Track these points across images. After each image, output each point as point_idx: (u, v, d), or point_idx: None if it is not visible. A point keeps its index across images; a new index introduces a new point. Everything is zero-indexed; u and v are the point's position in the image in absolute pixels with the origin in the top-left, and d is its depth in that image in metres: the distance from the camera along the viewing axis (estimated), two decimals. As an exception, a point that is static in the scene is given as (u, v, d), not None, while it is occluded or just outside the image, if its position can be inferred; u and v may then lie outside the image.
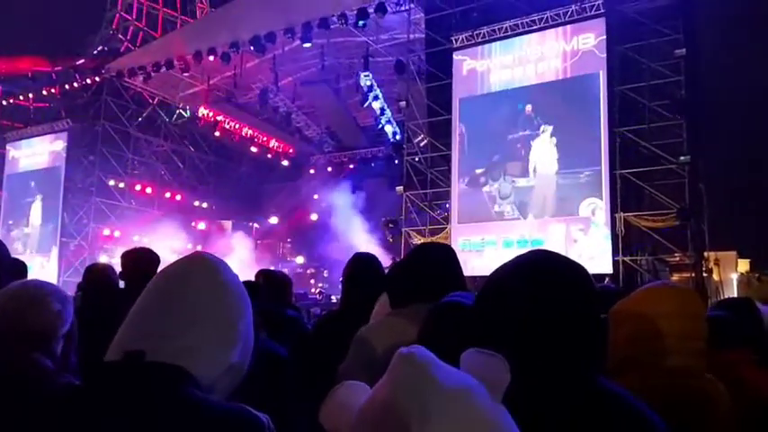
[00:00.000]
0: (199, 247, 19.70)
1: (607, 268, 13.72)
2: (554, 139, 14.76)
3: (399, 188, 17.29)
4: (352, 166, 21.97)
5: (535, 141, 15.02)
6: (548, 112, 14.89)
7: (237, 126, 21.48)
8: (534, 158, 15.00)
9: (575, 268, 1.08)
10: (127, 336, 1.04)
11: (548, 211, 14.78)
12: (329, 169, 22.54)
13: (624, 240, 13.92)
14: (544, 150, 14.93)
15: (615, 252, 13.84)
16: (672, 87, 13.85)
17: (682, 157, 13.47)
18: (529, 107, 15.17)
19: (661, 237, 13.41)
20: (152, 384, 0.96)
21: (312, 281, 20.30)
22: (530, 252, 1.10)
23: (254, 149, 22.24)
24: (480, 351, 0.82)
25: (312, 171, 22.65)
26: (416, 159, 17.37)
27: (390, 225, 18.50)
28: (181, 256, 1.13)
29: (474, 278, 11.90)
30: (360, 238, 17.93)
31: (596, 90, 14.47)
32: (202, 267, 1.09)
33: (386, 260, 14.57)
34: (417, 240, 16.28)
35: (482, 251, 15.17)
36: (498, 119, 15.61)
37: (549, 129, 14.84)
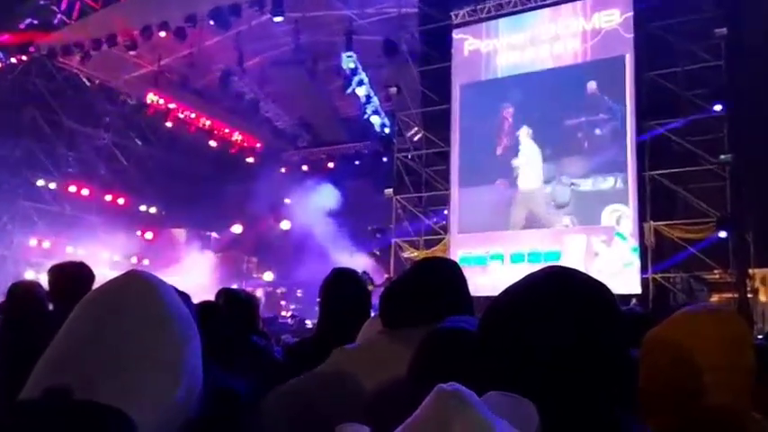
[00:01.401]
0: (146, 262, 19.65)
1: (634, 287, 13.86)
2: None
3: (388, 191, 17.44)
4: (331, 165, 21.99)
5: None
6: (563, 101, 15.14)
7: (194, 116, 21.45)
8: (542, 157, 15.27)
9: (598, 290, 1.08)
10: (48, 368, 1.01)
11: (564, 218, 15.06)
12: (304, 168, 22.59)
13: (654, 254, 14.11)
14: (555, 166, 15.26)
15: (644, 268, 14.02)
16: (711, 73, 14.02)
17: (722, 156, 13.65)
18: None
19: (698, 250, 13.58)
20: (78, 429, 0.92)
21: (283, 302, 20.39)
22: (544, 270, 1.10)
23: (213, 144, 22.17)
24: (505, 394, 0.87)
25: (284, 170, 22.69)
26: (409, 157, 17.55)
27: (377, 235, 18.64)
28: (119, 274, 1.13)
29: (477, 298, 12.16)
30: (341, 250, 18.05)
31: (621, 76, 14.63)
32: (139, 290, 1.07)
33: (377, 277, 14.84)
34: (409, 253, 16.57)
35: (486, 267, 15.33)
36: (505, 109, 15.88)
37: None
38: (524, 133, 15.44)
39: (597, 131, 14.60)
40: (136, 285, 1.08)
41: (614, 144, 14.43)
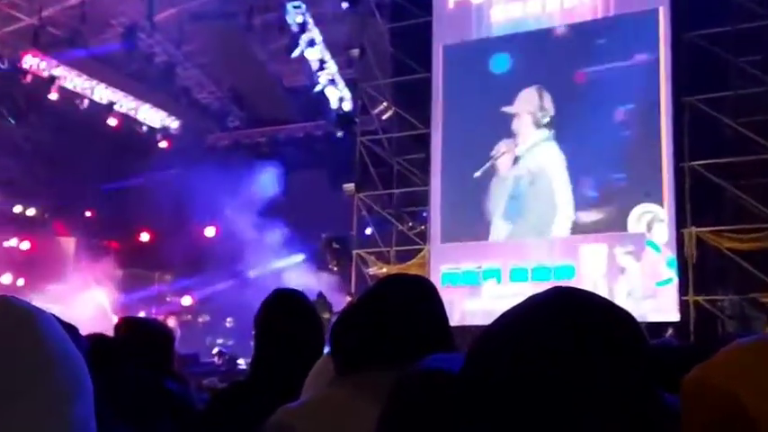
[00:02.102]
0: (20, 282, 19.45)
1: (670, 313, 14.18)
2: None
3: (348, 186, 17.53)
4: (273, 151, 21.99)
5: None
6: (577, 68, 15.37)
7: (87, 85, 21.06)
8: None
9: (622, 321, 1.09)
10: None
11: (578, 223, 15.26)
12: (236, 155, 22.39)
13: (697, 270, 14.32)
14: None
15: (683, 288, 14.25)
16: (768, 34, 14.27)
17: (785, 142, 13.93)
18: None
19: (753, 265, 13.78)
20: None
21: (208, 336, 20.31)
22: (551, 292, 1.10)
23: (112, 122, 21.70)
24: None
25: (208, 158, 22.20)
26: (376, 141, 17.61)
27: (334, 244, 18.79)
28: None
29: (464, 329, 12.14)
30: (285, 265, 18.16)
31: (654, 37, 14.91)
32: (9, 322, 1.07)
33: (336, 300, 14.93)
34: (376, 269, 16.62)
35: (478, 287, 15.57)
36: (504, 78, 16.01)
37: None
38: (527, 111, 15.66)
39: (621, 109, 14.90)
40: (4, 316, 1.08)
41: (644, 126, 14.74)
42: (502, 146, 15.80)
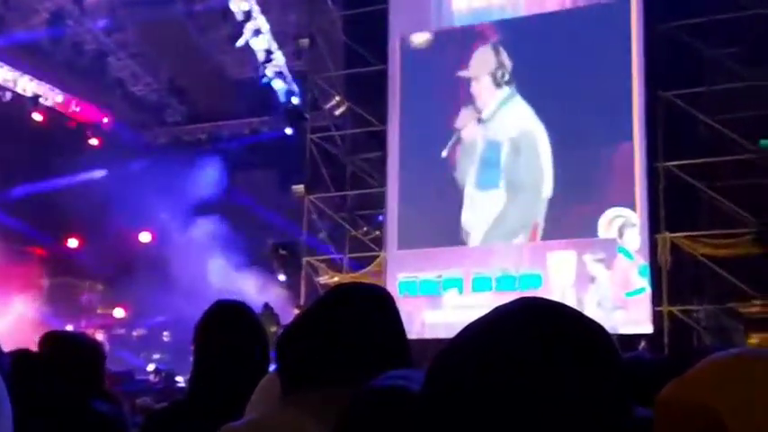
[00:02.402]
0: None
1: (643, 324, 14.29)
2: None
3: (298, 188, 17.47)
4: (215, 149, 21.67)
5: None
6: (544, 63, 15.40)
7: (10, 77, 20.72)
8: (518, 141, 15.59)
9: (592, 333, 1.11)
10: None
11: (546, 228, 15.32)
12: (175, 153, 21.84)
13: (671, 278, 14.45)
14: (534, 128, 15.48)
15: (657, 297, 14.37)
16: (749, 25, 14.30)
17: (764, 141, 13.99)
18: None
19: (730, 272, 13.89)
20: None
21: (142, 352, 20.12)
22: (517, 303, 1.11)
23: (38, 118, 21.36)
24: None
25: (144, 156, 21.93)
26: (328, 139, 17.61)
27: (281, 251, 18.67)
28: None
29: (424, 343, 12.27)
30: (228, 274, 17.91)
31: (625, 28, 15.00)
32: None
33: (284, 313, 14.88)
34: (327, 277, 16.63)
35: (438, 297, 15.60)
36: (467, 71, 16.06)
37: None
38: (485, 71, 15.80)
39: (591, 105, 14.98)
40: None
41: (615, 123, 14.82)
42: (464, 114, 15.86)
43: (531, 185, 15.30)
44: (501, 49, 15.78)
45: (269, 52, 19.24)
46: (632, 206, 14.68)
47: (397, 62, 16.67)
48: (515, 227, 15.45)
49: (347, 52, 17.46)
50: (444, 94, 16.10)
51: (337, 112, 17.81)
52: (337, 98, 17.75)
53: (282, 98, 19.87)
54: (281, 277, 18.61)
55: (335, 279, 16.45)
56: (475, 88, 15.82)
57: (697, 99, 14.61)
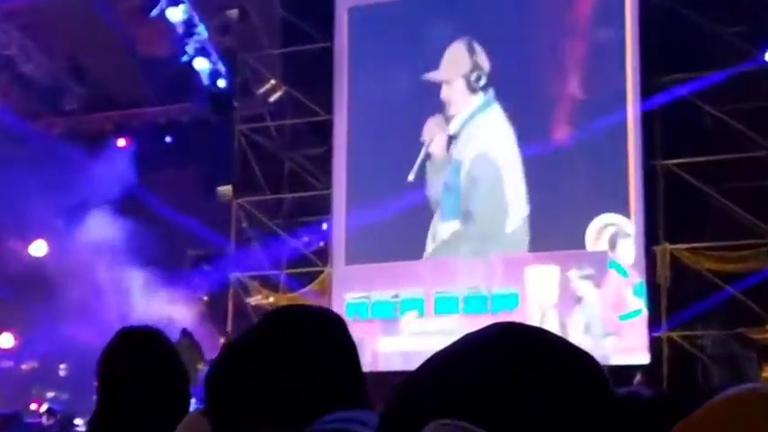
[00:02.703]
0: None
1: (639, 353, 14.24)
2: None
3: (225, 189, 17.33)
4: (123, 143, 21.12)
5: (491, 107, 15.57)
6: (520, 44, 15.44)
7: None
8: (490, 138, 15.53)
9: (581, 364, 1.10)
10: None
11: (523, 240, 15.18)
12: (74, 146, 21.25)
13: (672, 298, 14.34)
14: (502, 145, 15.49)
15: (654, 321, 14.25)
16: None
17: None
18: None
19: (742, 291, 13.82)
20: None
21: (33, 388, 19.68)
22: (490, 329, 1.09)
23: None
24: None
25: (36, 151, 21.16)
26: (261, 130, 17.49)
27: (204, 266, 18.27)
28: None
29: (377, 377, 12.10)
30: (139, 294, 17.36)
31: (619, 6, 14.94)
32: None
33: (207, 342, 14.63)
34: (260, 298, 16.51)
35: (395, 322, 15.48)
36: (429, 53, 15.86)
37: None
38: (457, 74, 15.59)
39: (579, 92, 14.92)
40: None
41: (606, 114, 14.67)
42: (431, 125, 15.69)
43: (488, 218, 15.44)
44: (476, 45, 15.54)
45: (190, 25, 18.66)
46: (626, 212, 14.56)
47: (345, 38, 16.48)
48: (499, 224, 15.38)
49: (285, 26, 17.20)
50: (404, 74, 16.00)
51: (273, 98, 17.42)
52: (273, 81, 17.36)
53: (206, 80, 19.27)
54: (204, 297, 18.05)
55: (270, 300, 16.31)
56: (445, 93, 15.66)
57: (700, 85, 14.43)
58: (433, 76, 15.54)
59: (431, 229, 15.53)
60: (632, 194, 14.42)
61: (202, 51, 18.68)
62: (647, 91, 14.56)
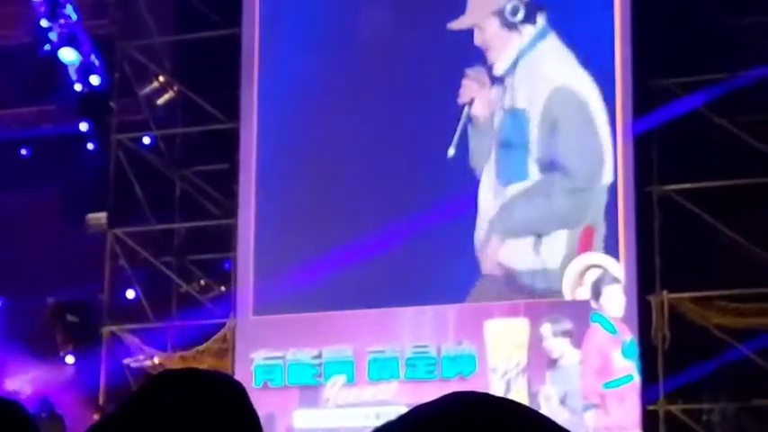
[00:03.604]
0: None
1: (629, 429, 14.18)
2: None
3: (97, 216, 17.17)
4: None
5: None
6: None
7: None
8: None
9: None
10: None
11: (487, 285, 15.10)
12: None
13: (670, 359, 14.28)
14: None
15: (649, 390, 14.23)
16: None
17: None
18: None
19: (760, 353, 13.92)
20: None
21: None
22: (443, 402, 1.11)
23: None
24: None
25: None
26: (145, 142, 17.35)
27: (69, 317, 17.88)
28: None
29: None
30: None
31: None
32: None
33: (76, 414, 14.85)
34: (142, 359, 16.53)
35: (317, 390, 15.53)
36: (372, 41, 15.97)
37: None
38: (488, 12, 15.53)
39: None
40: None
41: (585, 128, 14.85)
42: (469, 81, 15.45)
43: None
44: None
45: (54, 5, 18.36)
46: (614, 251, 14.50)
47: (256, 21, 16.33)
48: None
49: (178, 7, 17.30)
50: (324, 77, 15.97)
51: (161, 101, 17.37)
52: (161, 78, 17.37)
53: (74, 76, 18.90)
54: (69, 359, 17.61)
55: (156, 361, 16.23)
56: (479, 38, 15.54)
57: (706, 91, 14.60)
58: (457, 24, 15.39)
59: (480, 205, 15.30)
60: (621, 228, 14.28)
61: (70, 40, 18.28)
62: (640, 98, 14.54)
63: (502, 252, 15.03)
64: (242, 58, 16.24)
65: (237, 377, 15.25)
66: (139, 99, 17.28)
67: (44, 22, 18.39)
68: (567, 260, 14.68)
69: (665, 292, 14.16)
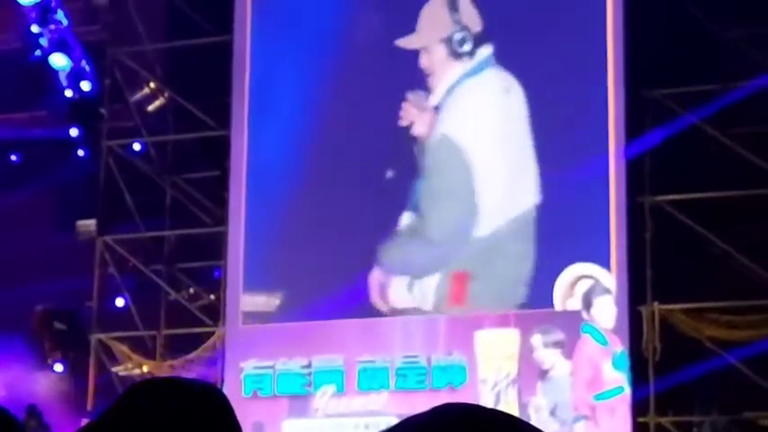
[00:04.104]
0: None
1: None
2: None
3: (86, 224, 17.16)
4: None
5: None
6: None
7: None
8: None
9: None
10: None
11: (476, 293, 15.12)
12: None
13: (661, 371, 14.33)
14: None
15: (640, 402, 14.26)
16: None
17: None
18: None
19: (752, 366, 13.84)
20: None
21: None
22: (433, 414, 1.15)
23: None
24: None
25: None
26: (135, 149, 17.35)
27: (57, 324, 17.85)
28: None
29: None
30: None
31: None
32: None
33: (64, 421, 14.92)
34: (131, 367, 16.38)
35: (306, 399, 15.52)
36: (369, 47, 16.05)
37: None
38: (437, 38, 15.58)
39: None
40: None
41: (579, 137, 14.84)
42: (409, 106, 15.57)
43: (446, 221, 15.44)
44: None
45: (45, 10, 18.29)
46: (605, 262, 14.49)
47: (248, 29, 16.32)
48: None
49: (169, 15, 17.26)
50: (318, 83, 15.97)
51: (152, 107, 17.34)
52: (152, 85, 17.31)
53: (64, 82, 18.92)
54: (57, 367, 17.63)
55: (144, 369, 16.23)
56: (425, 61, 15.63)
57: (701, 102, 14.55)
58: (405, 41, 15.47)
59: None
60: (613, 239, 14.30)
61: (61, 45, 18.26)
62: (630, 106, 14.53)
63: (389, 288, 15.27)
64: (233, 65, 16.27)
65: (227, 386, 15.34)
66: (130, 105, 17.31)
67: (35, 28, 18.36)
68: (440, 303, 14.96)
69: (656, 304, 14.20)
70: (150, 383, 2.04)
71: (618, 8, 14.78)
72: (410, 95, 15.53)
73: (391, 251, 15.44)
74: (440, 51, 15.51)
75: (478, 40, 15.33)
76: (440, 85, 15.48)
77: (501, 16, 15.48)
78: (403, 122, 15.55)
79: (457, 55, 15.43)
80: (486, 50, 15.27)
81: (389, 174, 15.47)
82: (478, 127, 15.31)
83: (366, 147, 15.73)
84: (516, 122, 15.06)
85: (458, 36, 15.40)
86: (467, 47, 15.35)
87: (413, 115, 15.51)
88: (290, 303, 15.66)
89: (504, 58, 15.25)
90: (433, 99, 15.47)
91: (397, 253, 15.40)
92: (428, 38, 15.58)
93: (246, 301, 15.97)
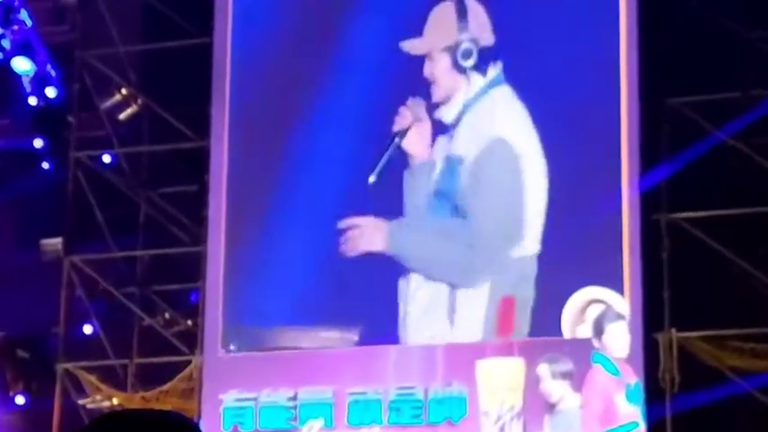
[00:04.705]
0: None
1: None
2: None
3: (51, 243, 16.87)
4: None
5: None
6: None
7: None
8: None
9: None
10: None
11: (476, 319, 14.95)
12: None
13: (679, 404, 14.13)
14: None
15: None
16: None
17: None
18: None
19: None
20: None
21: None
22: None
23: None
24: None
25: None
26: (105, 161, 17.29)
27: (20, 353, 17.84)
28: None
29: None
30: None
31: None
32: None
33: None
34: (100, 399, 16.35)
35: None
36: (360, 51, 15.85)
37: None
38: (440, 46, 15.44)
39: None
40: None
41: (591, 149, 14.80)
42: (405, 111, 15.27)
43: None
44: (468, 5, 15.54)
45: (7, 10, 18.14)
46: (618, 285, 14.29)
47: (228, 29, 16.19)
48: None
49: (145, 14, 17.16)
50: (303, 90, 15.96)
51: (124, 115, 17.08)
52: (124, 91, 17.07)
53: (28, 88, 18.62)
54: (19, 399, 17.51)
55: (115, 402, 15.98)
56: (428, 69, 15.44)
57: (722, 111, 14.57)
58: (409, 44, 15.43)
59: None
60: (626, 260, 14.19)
61: (24, 47, 18.06)
62: (644, 118, 14.47)
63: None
64: (213, 69, 16.13)
65: (204, 420, 14.95)
66: (101, 113, 17.10)
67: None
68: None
69: (673, 330, 13.97)
70: (116, 416, 1.91)
71: (632, 24, 14.61)
72: (409, 101, 15.31)
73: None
74: (444, 61, 15.39)
75: (486, 56, 15.19)
76: (450, 105, 15.23)
77: (512, 30, 15.37)
78: (396, 127, 15.29)
79: (461, 69, 15.32)
80: (494, 71, 15.12)
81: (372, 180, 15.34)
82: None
83: (355, 155, 15.57)
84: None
85: (463, 47, 15.26)
86: (471, 61, 15.21)
87: (407, 121, 15.24)
88: (272, 328, 15.60)
89: (513, 77, 15.12)
90: (447, 117, 15.18)
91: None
92: (432, 44, 15.50)
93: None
